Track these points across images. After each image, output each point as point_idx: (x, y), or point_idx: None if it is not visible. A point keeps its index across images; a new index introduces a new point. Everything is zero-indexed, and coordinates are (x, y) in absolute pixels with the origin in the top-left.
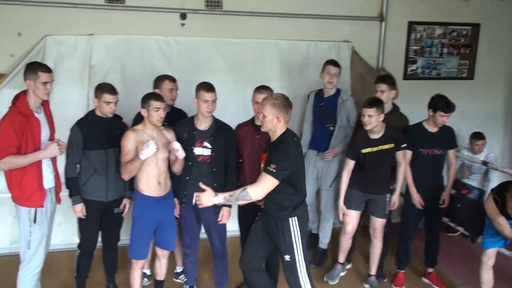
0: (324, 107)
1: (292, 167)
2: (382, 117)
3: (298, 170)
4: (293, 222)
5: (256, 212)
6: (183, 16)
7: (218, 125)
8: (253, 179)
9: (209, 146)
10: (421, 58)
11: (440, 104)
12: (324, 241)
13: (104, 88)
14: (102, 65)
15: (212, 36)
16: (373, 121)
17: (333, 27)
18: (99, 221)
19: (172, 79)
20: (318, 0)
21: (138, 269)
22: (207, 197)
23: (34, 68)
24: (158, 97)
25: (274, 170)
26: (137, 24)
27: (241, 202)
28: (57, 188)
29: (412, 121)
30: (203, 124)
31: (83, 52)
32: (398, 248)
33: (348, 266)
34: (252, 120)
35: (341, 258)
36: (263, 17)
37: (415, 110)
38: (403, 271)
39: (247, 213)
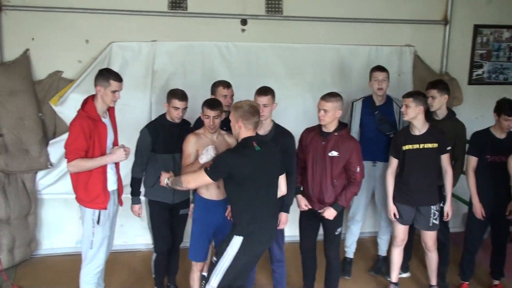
0: (379, 115)
1: (228, 173)
2: (421, 109)
3: (244, 181)
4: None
5: (317, 218)
6: (244, 22)
7: (278, 131)
8: (315, 185)
9: None
10: (488, 62)
11: (504, 107)
12: (383, 248)
13: (174, 94)
14: (164, 70)
15: (272, 41)
16: (410, 112)
17: (395, 31)
18: (168, 221)
19: (226, 85)
20: (379, 4)
21: (197, 271)
22: (163, 177)
23: (107, 75)
24: (211, 105)
25: (209, 168)
26: (198, 30)
27: (178, 188)
28: (119, 191)
29: (477, 128)
30: (262, 129)
31: (146, 58)
32: (462, 258)
33: (406, 275)
34: (319, 125)
35: (394, 277)
36: (324, 22)
37: (481, 116)
38: (467, 282)
39: (308, 218)
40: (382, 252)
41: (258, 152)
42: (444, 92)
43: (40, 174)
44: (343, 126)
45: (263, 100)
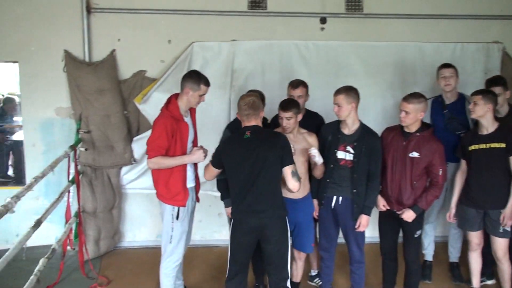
0: (449, 113)
1: (218, 157)
2: (490, 108)
3: (228, 166)
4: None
5: (396, 220)
6: (323, 20)
7: (364, 131)
8: (393, 186)
9: (352, 151)
10: None
11: None
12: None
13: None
14: (243, 69)
15: (352, 39)
16: (478, 110)
17: (481, 28)
18: None
19: (293, 86)
20: (466, 0)
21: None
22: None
23: (198, 80)
24: (283, 107)
25: (211, 158)
26: (277, 29)
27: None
28: (197, 187)
29: None
30: (347, 128)
31: (226, 57)
32: None
33: (491, 282)
34: (401, 125)
35: (475, 282)
36: (406, 19)
37: None
38: None
39: (387, 220)
40: (454, 258)
41: (246, 139)
42: (505, 88)
43: (124, 169)
44: (426, 127)
45: (335, 99)
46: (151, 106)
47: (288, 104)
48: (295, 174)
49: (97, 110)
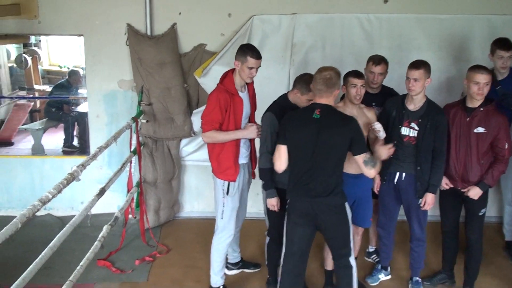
0: (502, 89)
1: (283, 134)
2: None
3: (290, 145)
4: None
5: (459, 198)
6: None
7: (430, 107)
8: (458, 164)
9: (416, 127)
10: None
11: None
12: None
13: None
14: (303, 43)
15: (416, 12)
16: None
17: None
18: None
19: (374, 62)
20: None
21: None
22: None
23: (245, 51)
24: (357, 74)
25: None
26: (339, 2)
27: None
28: (253, 164)
29: None
30: (413, 104)
31: (286, 31)
32: None
33: None
34: (463, 100)
35: None
36: None
37: None
38: None
39: (449, 198)
40: (509, 237)
41: (314, 119)
42: None
43: (183, 141)
44: (489, 101)
45: (415, 74)
46: (210, 80)
47: (359, 72)
48: (368, 162)
49: (158, 83)
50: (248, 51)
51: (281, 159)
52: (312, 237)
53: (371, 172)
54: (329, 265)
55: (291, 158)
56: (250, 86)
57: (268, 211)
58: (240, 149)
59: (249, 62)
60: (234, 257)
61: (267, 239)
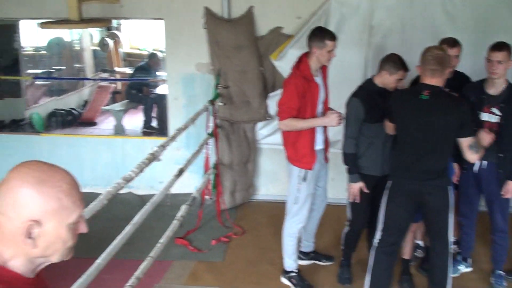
0: None
1: (390, 113)
2: None
3: (397, 126)
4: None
5: None
6: None
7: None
8: None
9: (498, 113)
10: None
11: None
12: None
13: (398, 65)
14: (381, 25)
15: None
16: None
17: None
18: (371, 197)
19: (448, 44)
20: None
21: (411, 232)
22: None
23: (322, 35)
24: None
25: None
26: None
27: None
28: (326, 148)
29: None
30: (494, 88)
31: (364, 13)
32: None
33: None
34: None
35: None
36: None
37: None
38: None
39: None
40: None
41: (422, 100)
42: None
43: (259, 124)
44: None
45: (498, 56)
46: (286, 63)
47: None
48: (473, 147)
49: (235, 66)
50: (324, 34)
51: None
52: (411, 221)
53: (473, 157)
54: (407, 253)
55: (398, 138)
56: (324, 70)
57: (352, 202)
58: (316, 135)
59: (328, 46)
60: (307, 246)
61: (346, 228)
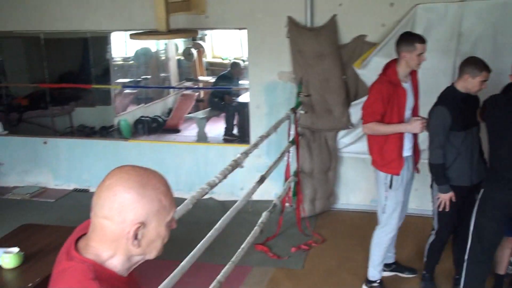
0: None
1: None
2: None
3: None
4: None
5: None
6: None
7: None
8: None
9: None
10: None
11: None
12: None
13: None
14: (471, 32)
15: None
16: None
17: None
18: (459, 206)
19: None
20: None
21: (507, 248)
22: None
23: (411, 39)
24: None
25: None
26: None
27: None
28: (416, 158)
29: None
30: None
31: (452, 20)
32: None
33: None
34: None
35: None
36: None
37: None
38: None
39: None
40: None
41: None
42: None
43: (341, 133)
44: None
45: None
46: (370, 71)
47: None
48: None
49: (317, 75)
50: (414, 38)
51: None
52: (503, 234)
53: None
54: (502, 269)
55: (491, 145)
56: (413, 76)
57: (440, 211)
58: (404, 141)
59: (417, 49)
60: (388, 257)
61: (431, 238)
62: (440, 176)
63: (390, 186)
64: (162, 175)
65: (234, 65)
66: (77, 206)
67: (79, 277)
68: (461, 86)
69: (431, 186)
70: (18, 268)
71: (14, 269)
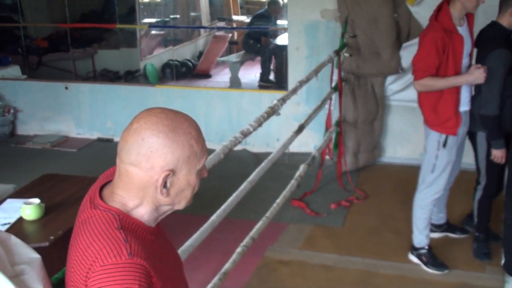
0: None
1: None
2: None
3: None
4: None
5: None
6: None
7: None
8: None
9: None
10: None
11: None
12: None
13: None
14: None
15: None
16: None
17: None
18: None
19: None
20: None
21: None
22: None
23: None
24: None
25: None
26: None
27: None
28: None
29: None
30: None
31: None
32: None
33: None
34: None
35: None
36: None
37: None
38: None
39: None
40: None
41: None
42: None
43: (389, 79)
44: None
45: None
46: (425, 8)
47: None
48: None
49: (364, 13)
50: None
51: None
52: None
53: None
54: None
55: None
56: (470, 19)
57: (488, 164)
58: (461, 95)
59: None
60: (439, 218)
61: (478, 194)
62: (494, 129)
63: (444, 145)
64: (193, 119)
65: (272, 2)
66: (101, 156)
67: (104, 226)
68: (506, 22)
69: (470, 138)
70: (39, 220)
71: (35, 221)
